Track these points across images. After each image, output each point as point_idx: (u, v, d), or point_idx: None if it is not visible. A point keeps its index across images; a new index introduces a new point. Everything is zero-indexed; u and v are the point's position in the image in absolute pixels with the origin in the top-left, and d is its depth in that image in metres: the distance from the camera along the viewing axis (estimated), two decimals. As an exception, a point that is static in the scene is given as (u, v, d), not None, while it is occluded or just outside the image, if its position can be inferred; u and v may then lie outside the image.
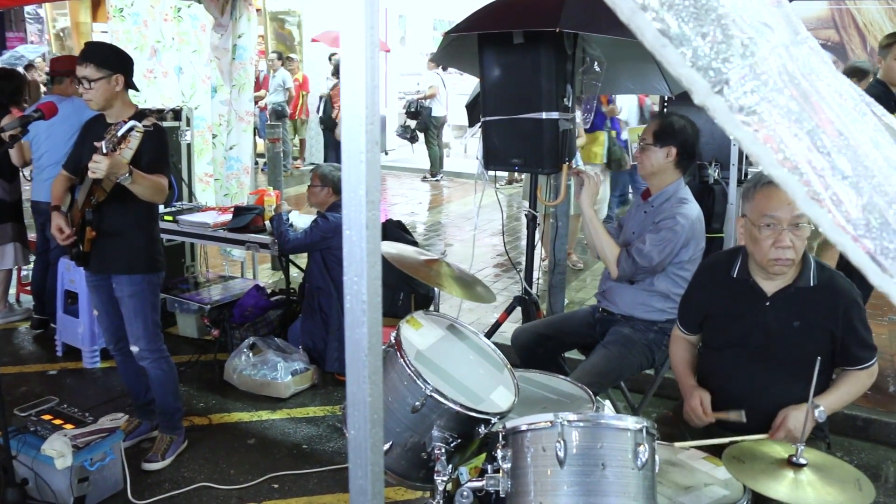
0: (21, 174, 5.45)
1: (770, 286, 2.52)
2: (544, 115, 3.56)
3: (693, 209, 3.25)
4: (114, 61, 3.35)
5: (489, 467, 1.97)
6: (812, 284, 2.47)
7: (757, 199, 2.41)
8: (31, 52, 12.83)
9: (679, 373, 2.79)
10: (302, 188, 10.41)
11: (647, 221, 3.30)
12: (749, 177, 4.75)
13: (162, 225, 3.89)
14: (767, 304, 2.51)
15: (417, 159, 12.82)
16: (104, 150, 3.07)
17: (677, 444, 2.32)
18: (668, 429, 2.67)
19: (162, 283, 3.66)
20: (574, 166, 3.68)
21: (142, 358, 3.60)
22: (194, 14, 6.37)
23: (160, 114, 5.47)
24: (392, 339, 2.22)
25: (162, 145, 3.44)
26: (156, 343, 3.61)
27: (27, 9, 15.12)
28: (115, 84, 3.34)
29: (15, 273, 5.85)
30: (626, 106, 7.78)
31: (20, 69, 8.03)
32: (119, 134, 3.14)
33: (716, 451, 2.26)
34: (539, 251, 4.39)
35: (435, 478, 2.06)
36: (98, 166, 3.04)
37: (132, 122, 3.18)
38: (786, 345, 2.49)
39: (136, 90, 3.54)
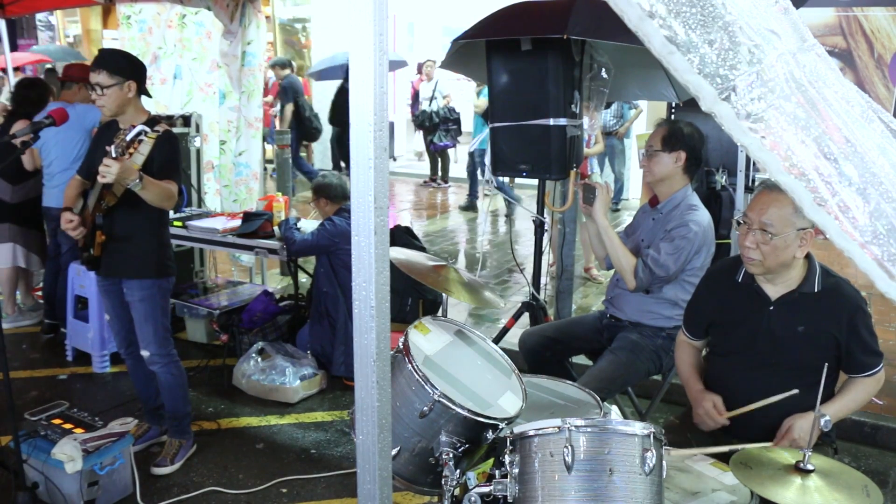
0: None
1: (774, 291, 2.52)
2: (552, 122, 3.56)
3: (704, 216, 3.24)
4: (126, 68, 3.37)
5: (497, 472, 1.97)
6: (816, 290, 2.47)
7: (751, 200, 2.51)
8: None
9: (685, 378, 2.78)
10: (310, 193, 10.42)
11: (658, 229, 3.29)
12: (757, 183, 4.75)
13: (171, 230, 3.89)
14: (771, 308, 2.52)
15: (426, 165, 12.81)
16: (113, 155, 3.09)
17: (682, 451, 2.31)
18: (674, 436, 2.66)
19: (172, 287, 3.67)
20: (589, 174, 3.68)
21: (152, 362, 3.62)
22: (200, 21, 6.39)
23: (170, 120, 5.50)
24: (400, 344, 2.22)
25: (173, 151, 3.44)
26: (166, 348, 3.63)
27: (39, 16, 15.21)
28: (128, 91, 3.35)
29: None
30: None
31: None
32: (128, 138, 3.16)
33: (723, 458, 2.25)
34: (547, 257, 4.38)
35: (443, 483, 2.07)
36: (108, 170, 3.05)
37: (141, 127, 3.20)
38: (790, 350, 2.49)
39: (149, 96, 3.55)
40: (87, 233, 3.41)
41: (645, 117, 9.69)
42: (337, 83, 11.12)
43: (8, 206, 5.38)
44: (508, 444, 1.96)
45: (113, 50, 3.67)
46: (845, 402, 2.49)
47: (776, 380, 2.51)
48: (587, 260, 6.94)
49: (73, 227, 3.34)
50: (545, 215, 4.19)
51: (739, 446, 2.27)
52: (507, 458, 1.94)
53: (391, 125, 11.74)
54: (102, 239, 3.40)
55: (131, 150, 3.17)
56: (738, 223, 2.50)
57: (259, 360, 4.63)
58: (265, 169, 8.42)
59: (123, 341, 3.73)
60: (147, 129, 3.21)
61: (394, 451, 2.12)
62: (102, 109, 3.38)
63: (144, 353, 3.60)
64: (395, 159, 14.16)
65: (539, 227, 4.16)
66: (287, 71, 11.04)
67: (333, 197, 4.68)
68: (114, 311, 3.67)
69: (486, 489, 1.95)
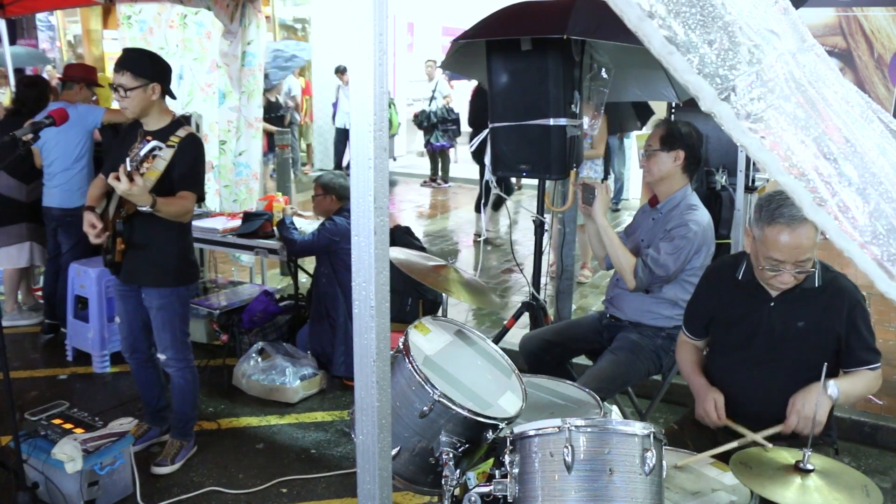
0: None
1: (775, 288, 2.53)
2: (552, 122, 3.56)
3: (704, 215, 3.24)
4: (151, 70, 3.30)
5: (497, 472, 1.97)
6: (817, 285, 2.48)
7: (767, 233, 2.36)
8: (302, 52, 11.31)
9: (688, 374, 2.78)
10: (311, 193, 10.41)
11: (657, 229, 3.29)
12: (756, 183, 4.74)
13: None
14: (772, 304, 2.52)
15: (426, 165, 12.81)
16: (128, 167, 3.05)
17: (700, 456, 2.30)
18: (674, 443, 2.65)
19: (193, 293, 3.63)
20: (582, 176, 3.67)
21: (167, 365, 3.63)
22: (200, 21, 6.38)
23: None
24: (400, 344, 2.22)
25: (196, 159, 3.39)
26: (183, 352, 3.63)
27: (39, 16, 15.21)
28: (152, 93, 3.29)
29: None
30: None
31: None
32: (142, 153, 3.14)
33: (725, 457, 2.25)
34: (547, 257, 4.38)
35: (443, 483, 2.07)
36: (118, 185, 3.02)
37: (154, 143, 3.17)
38: (790, 346, 2.50)
39: (174, 97, 3.49)
40: (109, 238, 3.38)
41: (645, 117, 9.67)
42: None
43: (24, 205, 5.41)
44: (508, 444, 1.96)
45: (138, 50, 3.61)
46: (849, 381, 2.47)
47: (776, 377, 2.52)
48: (586, 259, 6.93)
49: (95, 233, 3.30)
50: (545, 215, 4.19)
51: (753, 436, 2.29)
52: (507, 458, 1.94)
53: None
54: (122, 247, 3.37)
55: (146, 164, 3.15)
56: (770, 265, 2.41)
57: (259, 360, 4.63)
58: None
59: (129, 347, 3.73)
60: (161, 144, 3.19)
61: (394, 451, 2.12)
62: (125, 112, 3.33)
63: (161, 357, 3.61)
64: (395, 159, 14.16)
65: (539, 227, 4.16)
66: None
67: (341, 196, 4.71)
68: (126, 317, 3.65)
69: (486, 489, 1.95)
